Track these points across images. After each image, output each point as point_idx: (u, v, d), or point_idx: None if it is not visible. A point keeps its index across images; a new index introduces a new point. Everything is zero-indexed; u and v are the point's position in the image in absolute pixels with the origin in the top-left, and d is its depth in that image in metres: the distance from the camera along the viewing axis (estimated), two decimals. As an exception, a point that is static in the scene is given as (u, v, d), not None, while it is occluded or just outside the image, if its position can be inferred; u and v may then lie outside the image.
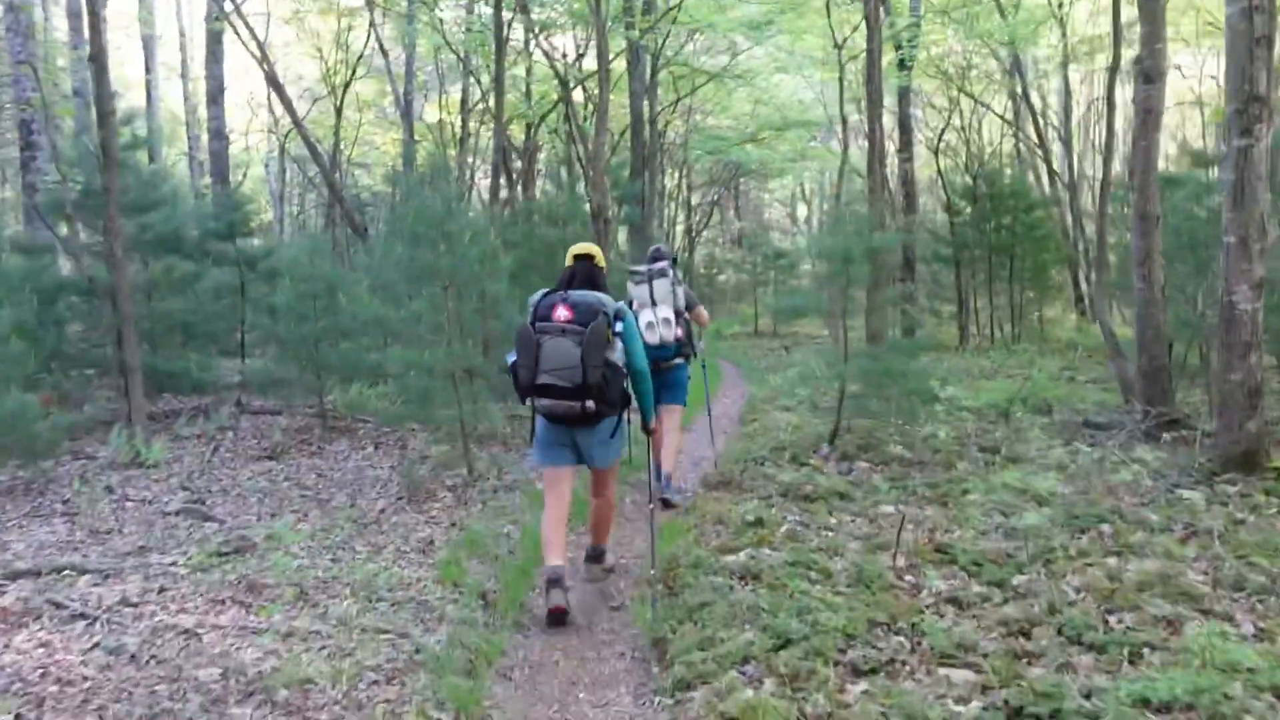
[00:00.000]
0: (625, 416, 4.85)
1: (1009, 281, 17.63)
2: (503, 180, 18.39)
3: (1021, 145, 21.37)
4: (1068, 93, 20.04)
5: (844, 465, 7.25)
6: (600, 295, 4.54)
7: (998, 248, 17.50)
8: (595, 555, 5.10)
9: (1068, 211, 19.41)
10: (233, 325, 11.85)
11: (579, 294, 4.51)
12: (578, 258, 4.74)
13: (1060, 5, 19.03)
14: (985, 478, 6.52)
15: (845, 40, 14.61)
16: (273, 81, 16.40)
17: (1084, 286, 19.54)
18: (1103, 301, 11.08)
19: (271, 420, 10.37)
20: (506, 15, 11.03)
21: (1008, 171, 18.77)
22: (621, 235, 19.49)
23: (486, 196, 20.21)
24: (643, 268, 6.89)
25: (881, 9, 13.57)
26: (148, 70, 26.74)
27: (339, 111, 24.43)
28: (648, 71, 18.73)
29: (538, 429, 4.79)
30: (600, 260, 4.82)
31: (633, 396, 4.78)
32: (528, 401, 4.57)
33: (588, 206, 16.02)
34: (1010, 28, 18.15)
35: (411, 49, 20.68)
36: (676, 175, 31.05)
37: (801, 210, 47.11)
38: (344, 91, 24.82)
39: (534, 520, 6.00)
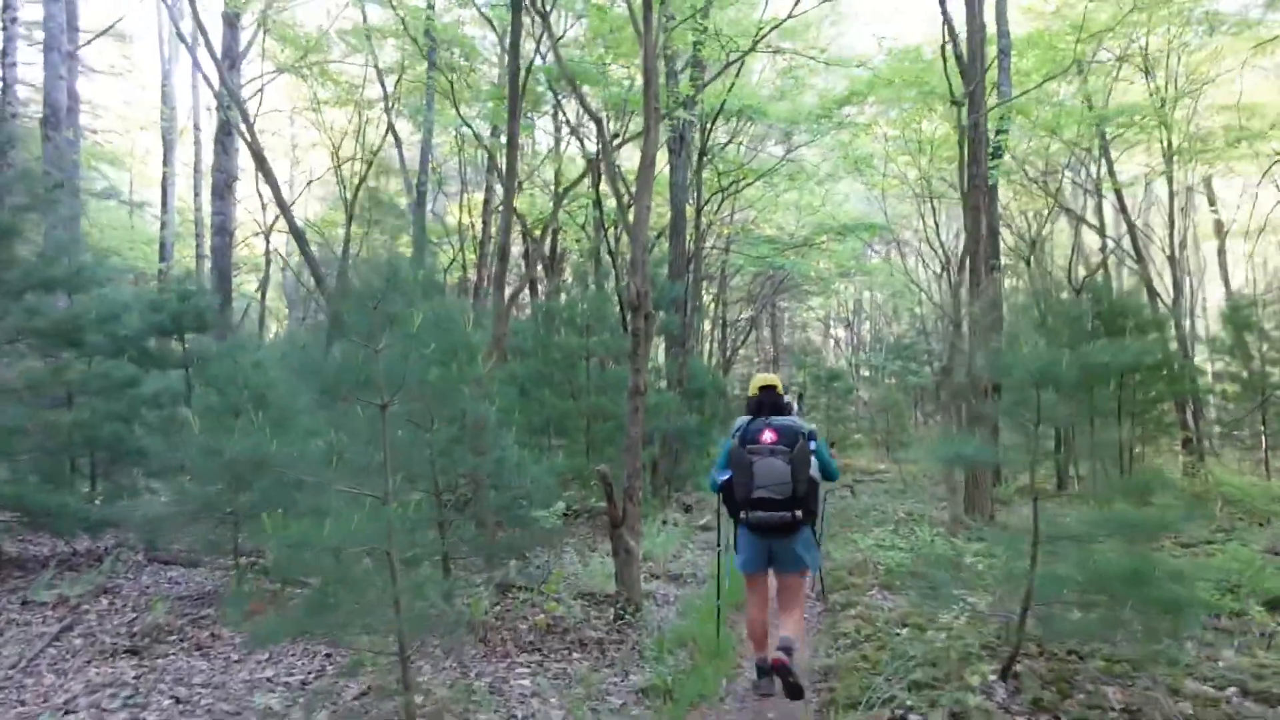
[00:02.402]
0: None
1: (1118, 416, 14.70)
2: (514, 272, 15.96)
3: (1117, 260, 18.68)
4: (1172, 199, 17.41)
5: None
6: (797, 420, 5.13)
7: (1045, 381, 14.59)
8: (786, 648, 4.87)
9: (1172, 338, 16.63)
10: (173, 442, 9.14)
11: (780, 419, 5.10)
12: (763, 389, 5.24)
13: (1163, 104, 16.70)
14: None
15: (954, 102, 11.94)
16: (257, 157, 14.09)
17: (1192, 424, 16.63)
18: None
19: (183, 576, 7.57)
20: (527, 49, 8.60)
21: (1113, 286, 16.01)
22: (660, 350, 16.86)
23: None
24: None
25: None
26: (165, 164, 24.95)
27: (350, 205, 22.43)
28: (693, 159, 16.32)
29: (740, 541, 5.20)
30: (781, 389, 5.29)
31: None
32: (741, 514, 5.06)
33: (617, 309, 13.43)
34: (1100, 115, 15.78)
35: (428, 133, 18.53)
36: (713, 289, 28.57)
37: (839, 333, 44.60)
38: (358, 187, 22.91)
39: None
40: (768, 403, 5.20)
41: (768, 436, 5.01)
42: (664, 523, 10.19)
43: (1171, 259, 17.25)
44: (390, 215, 26.08)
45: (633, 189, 10.37)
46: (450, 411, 5.75)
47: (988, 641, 5.43)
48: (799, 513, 4.92)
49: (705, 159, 17.63)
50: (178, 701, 4.77)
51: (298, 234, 14.94)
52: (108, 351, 9.21)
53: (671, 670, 5.23)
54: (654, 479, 12.44)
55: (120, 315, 9.38)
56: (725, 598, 6.50)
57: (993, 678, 4.80)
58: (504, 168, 9.07)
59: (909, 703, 4.55)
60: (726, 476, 5.13)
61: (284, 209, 14.60)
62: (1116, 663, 4.98)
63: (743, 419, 5.20)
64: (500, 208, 18.80)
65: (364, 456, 4.14)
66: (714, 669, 5.48)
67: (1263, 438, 15.69)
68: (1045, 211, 18.18)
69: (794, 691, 4.75)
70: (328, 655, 5.51)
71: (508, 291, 10.03)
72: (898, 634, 6.03)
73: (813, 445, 5.07)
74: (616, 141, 11.81)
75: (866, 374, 31.04)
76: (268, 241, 20.27)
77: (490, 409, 5.76)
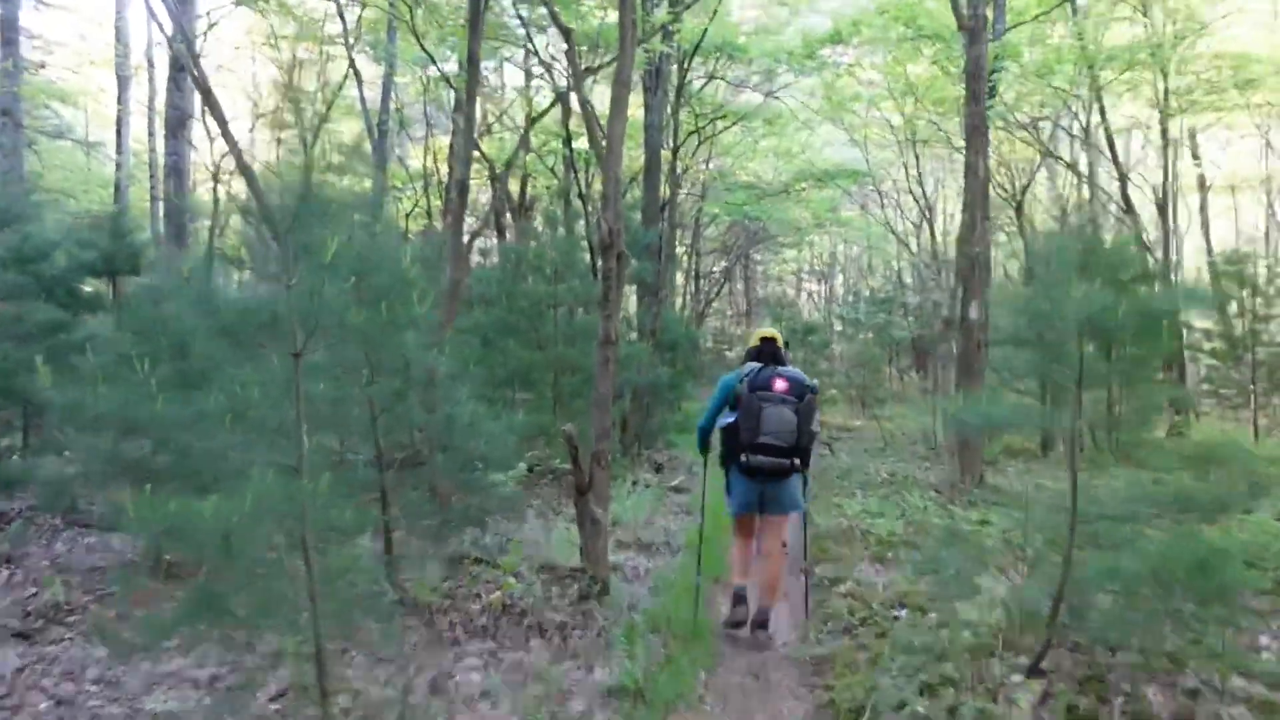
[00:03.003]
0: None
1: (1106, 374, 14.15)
2: (478, 216, 15.17)
3: (1104, 212, 18.05)
4: (1166, 147, 16.75)
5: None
6: (803, 374, 5.35)
7: (1094, 331, 14.08)
8: (762, 621, 5.29)
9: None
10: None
11: (789, 370, 5.33)
12: (764, 340, 5.51)
13: (1159, 49, 15.96)
14: None
15: (962, 27, 11.02)
16: (202, 89, 13.02)
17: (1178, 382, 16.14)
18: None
19: (100, 543, 6.80)
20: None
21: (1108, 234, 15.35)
22: (631, 300, 16.05)
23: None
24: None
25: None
26: (119, 102, 23.59)
27: (309, 148, 21.31)
28: (670, 96, 15.44)
29: (734, 485, 5.40)
30: (781, 341, 5.55)
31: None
32: (743, 457, 5.20)
33: (587, 255, 12.61)
34: (1094, 56, 15.00)
35: (389, 67, 17.47)
36: (686, 239, 27.70)
37: (811, 286, 43.93)
38: (318, 129, 21.82)
39: None
40: (768, 353, 5.44)
41: (779, 385, 5.22)
42: (634, 484, 9.49)
43: (1163, 210, 16.64)
44: (351, 157, 24.89)
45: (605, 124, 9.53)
46: (391, 361, 4.99)
47: (998, 627, 4.79)
48: (796, 460, 5.19)
49: (682, 99, 16.73)
50: (58, 703, 4.02)
51: (246, 171, 13.93)
52: (33, 293, 8.34)
53: (643, 664, 4.54)
54: (624, 436, 11.74)
55: (49, 254, 8.53)
56: (705, 573, 5.88)
57: (1016, 678, 4.15)
58: (465, 95, 8.20)
59: (921, 710, 3.88)
60: (730, 420, 5.30)
61: (230, 144, 13.56)
62: (1153, 655, 4.35)
63: (751, 364, 5.41)
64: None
65: (276, 415, 3.38)
66: (691, 659, 4.81)
67: (1252, 396, 15.23)
68: (1035, 160, 17.45)
69: (761, 644, 5.21)
70: (249, 643, 4.78)
71: (467, 232, 9.19)
72: (895, 617, 5.39)
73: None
74: (588, 70, 10.91)
75: (839, 328, 30.43)
76: (216, 181, 19.19)
77: (439, 359, 4.99)
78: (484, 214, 16.86)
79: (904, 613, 5.45)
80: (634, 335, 13.39)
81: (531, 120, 13.25)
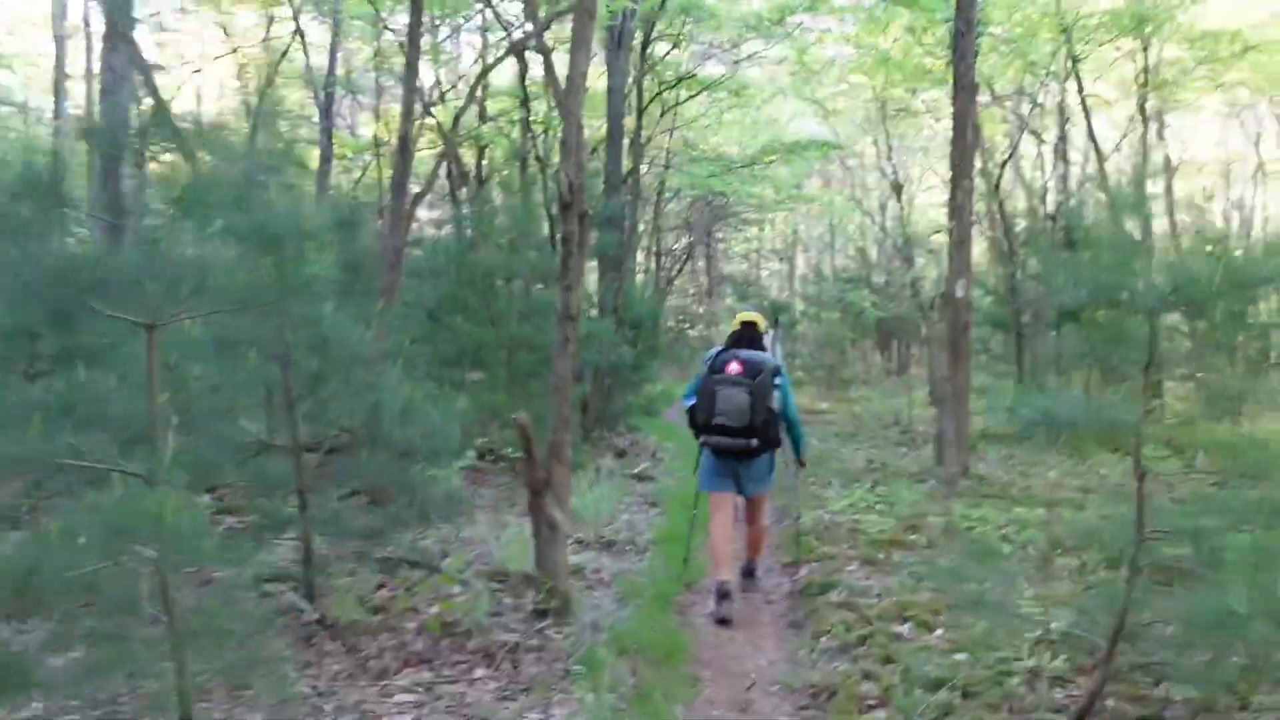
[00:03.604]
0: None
1: (1088, 356, 13.62)
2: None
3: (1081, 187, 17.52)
4: (1145, 123, 16.20)
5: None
6: (765, 355, 5.52)
7: (1072, 313, 13.55)
8: (749, 571, 5.90)
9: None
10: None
11: (748, 352, 5.46)
12: (744, 324, 5.69)
13: (1140, 22, 15.39)
14: None
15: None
16: (130, 50, 11.95)
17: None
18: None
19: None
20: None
21: (1089, 214, 14.76)
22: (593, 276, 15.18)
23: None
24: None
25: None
26: (57, 65, 22.22)
27: (253, 111, 20.18)
28: (633, 55, 14.61)
29: (704, 462, 5.61)
30: (761, 326, 5.73)
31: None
32: (702, 438, 5.44)
33: (546, 226, 11.76)
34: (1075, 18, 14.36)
35: (336, 24, 16.41)
36: (648, 214, 26.80)
37: (773, 265, 43.21)
38: (261, 91, 20.66)
39: None
40: (745, 337, 5.61)
41: (733, 368, 5.37)
42: (597, 471, 8.69)
43: (1139, 188, 16.08)
44: (295, 122, 23.77)
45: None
46: (309, 339, 4.16)
47: (1017, 650, 4.09)
48: (755, 441, 5.28)
49: (647, 63, 15.88)
50: None
51: (176, 131, 12.96)
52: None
53: (610, 700, 3.77)
54: (584, 419, 10.95)
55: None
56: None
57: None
58: (408, 38, 7.32)
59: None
60: (692, 402, 5.50)
61: (158, 101, 12.57)
62: (1219, 689, 3.66)
63: (716, 348, 5.66)
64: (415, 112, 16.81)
65: (128, 408, 2.55)
66: (666, 690, 4.06)
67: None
68: (1016, 134, 16.85)
69: (724, 620, 5.24)
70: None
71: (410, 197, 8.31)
72: (899, 634, 4.67)
73: (778, 380, 5.43)
74: (547, 19, 10.04)
75: (802, 308, 29.78)
76: (140, 146, 18.02)
77: (364, 333, 4.15)
78: (433, 181, 15.85)
79: (908, 628, 4.74)
80: (595, 312, 12.59)
81: (486, 69, 12.33)
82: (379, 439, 4.42)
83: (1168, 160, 24.11)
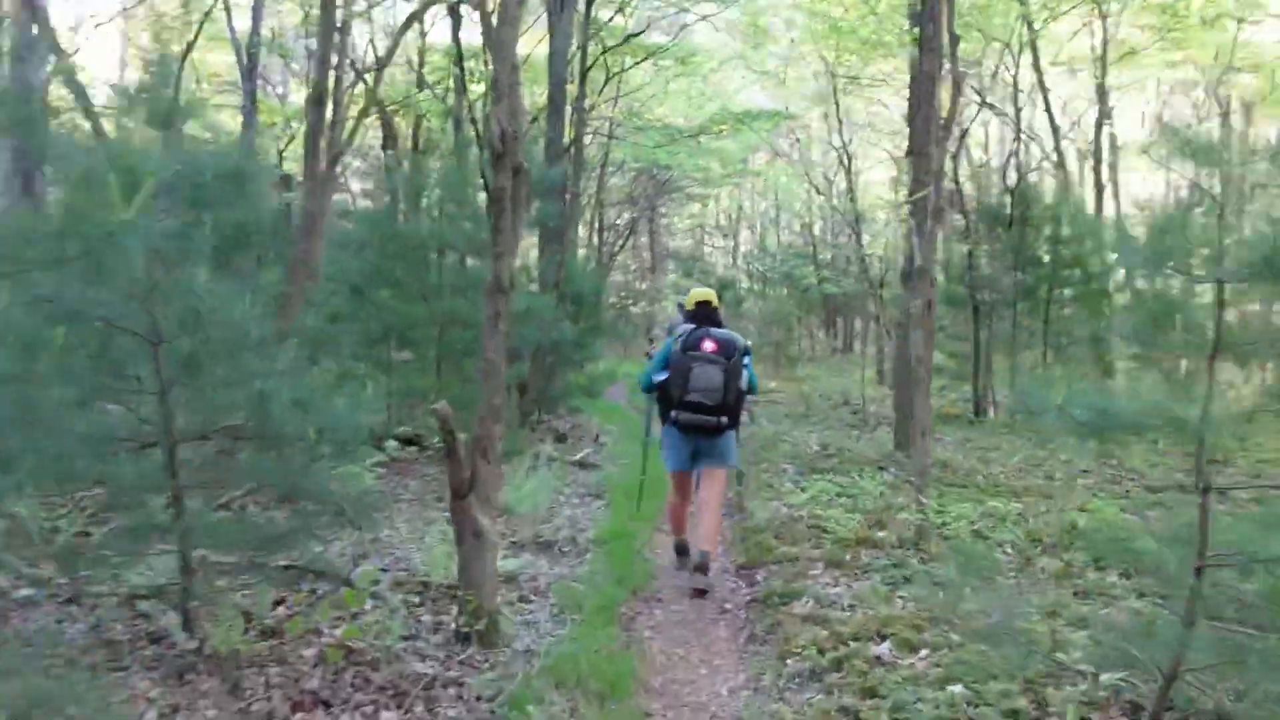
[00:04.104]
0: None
1: (1043, 336, 13.27)
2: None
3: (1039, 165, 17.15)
4: (1103, 99, 15.85)
5: None
6: (735, 334, 5.57)
7: (1028, 291, 13.20)
8: (702, 566, 5.41)
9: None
10: None
11: (720, 331, 5.50)
12: (700, 303, 5.67)
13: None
14: None
15: None
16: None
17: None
18: None
19: None
20: None
21: (1047, 192, 14.35)
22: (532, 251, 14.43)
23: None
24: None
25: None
26: None
27: (176, 79, 18.98)
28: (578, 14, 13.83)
29: (668, 439, 5.62)
30: (716, 303, 5.74)
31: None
32: (672, 413, 5.44)
33: (482, 194, 10.95)
34: None
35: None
36: (591, 188, 25.97)
37: (717, 241, 42.64)
38: (184, 58, 19.44)
39: None
40: (703, 315, 5.63)
41: (709, 346, 5.41)
42: (535, 459, 7.98)
43: (1097, 166, 15.79)
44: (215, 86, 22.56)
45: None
46: (180, 314, 3.42)
47: (1014, 680, 3.53)
48: (725, 418, 5.40)
49: (591, 26, 15.10)
50: None
51: (76, 88, 11.93)
52: None
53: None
54: (522, 402, 10.25)
55: None
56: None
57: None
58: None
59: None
60: (663, 377, 5.53)
61: (57, 53, 11.52)
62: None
63: (685, 325, 5.64)
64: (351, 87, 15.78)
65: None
66: (612, 732, 3.43)
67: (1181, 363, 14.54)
68: (975, 107, 16.40)
69: (702, 592, 5.36)
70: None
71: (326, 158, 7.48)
72: (878, 657, 4.08)
73: (746, 360, 5.49)
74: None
75: (747, 284, 29.27)
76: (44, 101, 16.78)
77: (249, 309, 3.43)
78: (352, 138, 14.84)
79: (887, 648, 4.15)
80: (535, 286, 11.85)
81: (411, 17, 11.46)
82: (268, 433, 3.70)
83: (1113, 138, 24.07)
